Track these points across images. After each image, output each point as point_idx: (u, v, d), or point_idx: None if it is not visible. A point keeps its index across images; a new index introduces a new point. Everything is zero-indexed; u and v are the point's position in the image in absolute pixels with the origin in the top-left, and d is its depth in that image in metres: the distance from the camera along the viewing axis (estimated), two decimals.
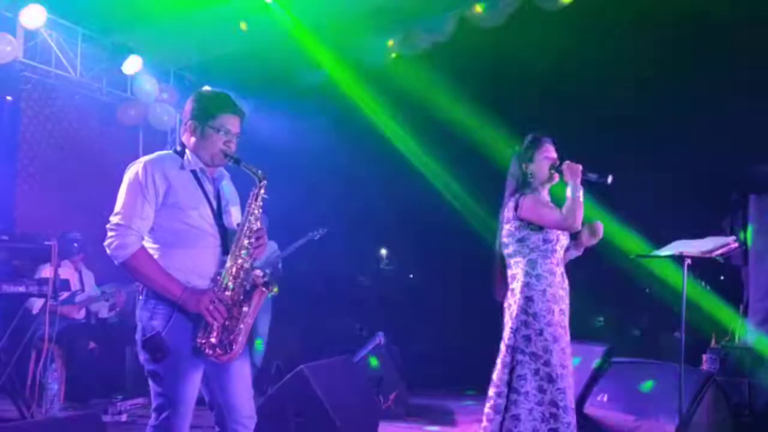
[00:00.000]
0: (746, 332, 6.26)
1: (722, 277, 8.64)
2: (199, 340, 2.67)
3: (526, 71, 7.28)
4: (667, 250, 4.44)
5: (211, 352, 2.67)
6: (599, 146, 7.23)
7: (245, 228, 2.78)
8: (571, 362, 3.78)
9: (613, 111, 7.27)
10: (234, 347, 2.70)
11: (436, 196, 8.95)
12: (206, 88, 3.03)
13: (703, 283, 9.30)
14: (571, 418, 3.67)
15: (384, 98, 8.13)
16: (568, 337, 3.76)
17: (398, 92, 7.95)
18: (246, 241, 2.77)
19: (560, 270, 3.81)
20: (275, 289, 2.83)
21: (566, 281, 3.83)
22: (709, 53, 6.81)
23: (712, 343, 6.08)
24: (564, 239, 3.83)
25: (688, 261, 4.26)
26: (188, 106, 2.90)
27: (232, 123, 2.86)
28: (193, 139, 2.86)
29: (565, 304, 3.79)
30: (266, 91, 8.16)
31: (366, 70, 7.81)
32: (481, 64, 7.43)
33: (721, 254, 4.28)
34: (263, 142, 8.54)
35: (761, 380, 5.57)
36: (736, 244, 4.31)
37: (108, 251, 2.70)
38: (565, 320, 3.79)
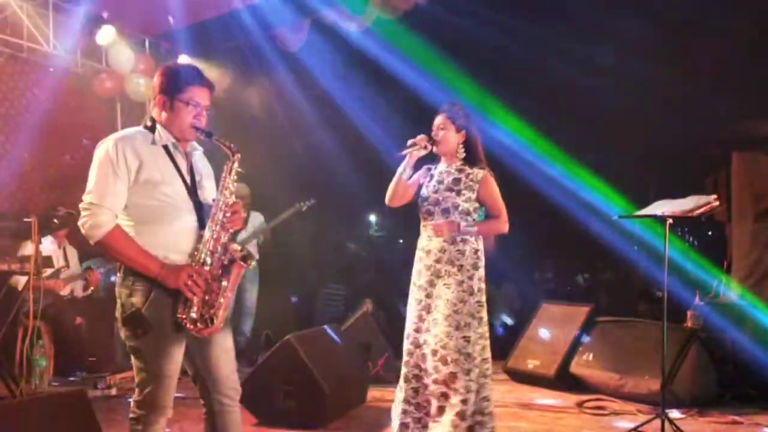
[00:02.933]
0: (730, 288, 6.33)
1: (710, 233, 8.73)
2: (179, 315, 2.67)
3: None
4: (648, 210, 4.45)
5: (192, 326, 2.67)
6: (577, 107, 7.24)
7: (221, 203, 2.76)
8: (416, 310, 3.90)
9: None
10: (215, 321, 2.69)
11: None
12: (175, 61, 2.97)
13: (691, 240, 9.39)
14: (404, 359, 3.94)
15: (371, 61, 8.02)
16: (420, 294, 3.88)
17: (379, 55, 7.87)
18: (221, 215, 2.75)
19: (426, 233, 3.94)
20: (253, 264, 2.80)
21: (432, 242, 3.89)
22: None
23: (696, 300, 6.14)
24: (427, 206, 3.95)
25: (670, 221, 4.27)
26: (156, 80, 2.86)
27: (201, 95, 2.82)
28: (163, 114, 2.82)
29: (422, 264, 3.89)
30: (246, 58, 8.04)
31: (345, 32, 7.70)
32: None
33: (703, 213, 4.29)
34: (246, 112, 8.48)
35: (744, 335, 5.64)
36: (718, 203, 4.32)
37: (83, 231, 2.68)
38: (420, 278, 3.90)
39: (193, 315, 2.67)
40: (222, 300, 2.71)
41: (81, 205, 2.68)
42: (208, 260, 2.71)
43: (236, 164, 2.82)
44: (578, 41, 6.82)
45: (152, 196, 2.70)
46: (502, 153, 6.79)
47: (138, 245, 2.67)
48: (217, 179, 2.88)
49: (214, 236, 2.73)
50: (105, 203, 2.64)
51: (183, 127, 2.80)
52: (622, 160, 7.72)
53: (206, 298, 2.70)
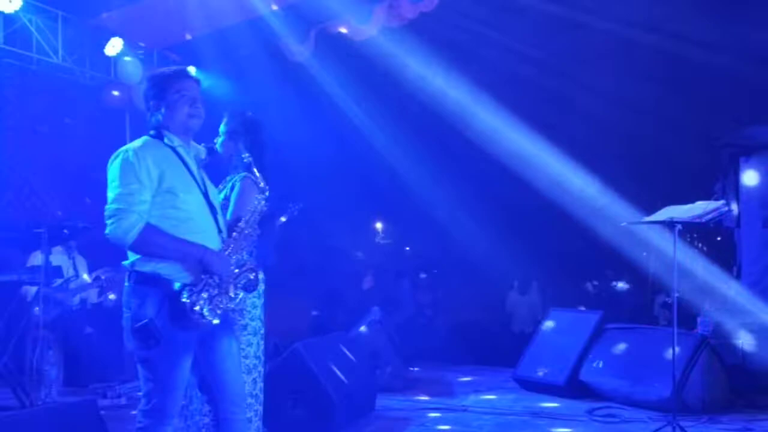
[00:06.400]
0: (739, 294, 6.29)
1: (719, 238, 8.68)
2: (190, 298, 2.65)
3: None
4: (657, 216, 4.44)
5: (197, 311, 2.65)
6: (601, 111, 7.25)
7: (246, 230, 2.94)
8: None
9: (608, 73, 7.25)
10: (215, 317, 2.69)
11: (431, 168, 8.93)
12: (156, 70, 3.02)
13: (700, 245, 9.35)
14: None
15: (375, 70, 8.06)
16: None
17: (388, 63, 7.90)
18: (244, 237, 2.92)
19: None
20: (261, 275, 2.88)
21: None
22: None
23: (706, 306, 6.11)
24: None
25: (679, 226, 4.25)
26: (144, 92, 2.91)
27: (189, 87, 2.86)
28: (161, 117, 2.85)
29: None
30: (252, 68, 8.08)
31: (350, 43, 7.74)
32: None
33: (712, 218, 4.28)
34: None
35: (754, 341, 5.61)
36: (726, 208, 4.30)
37: (112, 239, 2.65)
38: None
39: (205, 297, 2.67)
40: (231, 305, 2.76)
41: (106, 214, 2.65)
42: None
43: (264, 201, 3.04)
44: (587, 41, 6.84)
45: (174, 205, 2.71)
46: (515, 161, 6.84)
47: (174, 236, 2.69)
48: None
49: (236, 248, 2.87)
50: (132, 207, 2.63)
51: (182, 119, 2.83)
52: (630, 166, 7.71)
53: (222, 295, 2.74)
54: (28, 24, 6.84)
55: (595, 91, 6.89)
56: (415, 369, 7.00)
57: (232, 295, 2.76)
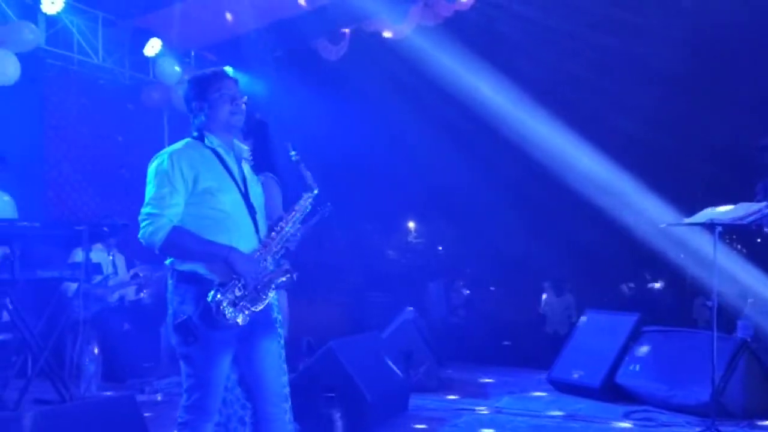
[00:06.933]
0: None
1: (758, 240, 8.47)
2: (217, 297, 2.66)
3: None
4: (697, 218, 4.36)
5: (221, 311, 2.65)
6: (639, 111, 7.15)
7: (285, 231, 2.90)
8: None
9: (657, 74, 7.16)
10: (242, 318, 2.70)
11: (464, 168, 8.89)
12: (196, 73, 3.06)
13: (739, 247, 9.13)
14: None
15: (409, 69, 8.05)
16: None
17: (421, 63, 7.89)
18: (281, 240, 2.89)
19: None
20: (294, 276, 2.87)
21: None
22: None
23: (746, 310, 5.98)
24: None
25: (719, 228, 4.17)
26: (185, 95, 2.96)
27: (229, 86, 2.90)
28: (203, 118, 2.89)
29: None
30: (286, 68, 8.14)
31: (385, 42, 7.74)
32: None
33: (754, 220, 4.19)
34: (286, 120, 8.58)
35: None
36: None
37: (144, 242, 2.73)
38: None
39: (230, 297, 2.68)
40: (261, 306, 2.76)
41: (139, 218, 2.73)
42: (265, 266, 2.82)
43: (310, 200, 2.99)
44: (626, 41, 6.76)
45: (210, 205, 2.76)
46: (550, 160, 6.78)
47: (200, 236, 2.72)
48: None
49: (270, 250, 2.85)
50: (163, 212, 2.70)
51: (224, 118, 2.88)
52: (670, 166, 7.60)
53: (253, 295, 2.75)
54: (69, 25, 6.99)
55: (634, 90, 6.79)
56: (449, 369, 6.97)
57: (263, 297, 2.76)
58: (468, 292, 9.41)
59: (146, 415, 3.68)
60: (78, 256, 5.68)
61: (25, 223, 5.06)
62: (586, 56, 7.04)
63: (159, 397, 5.79)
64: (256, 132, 3.64)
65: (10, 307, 5.10)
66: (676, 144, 7.53)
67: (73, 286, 5.65)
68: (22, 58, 6.50)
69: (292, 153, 2.99)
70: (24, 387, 5.03)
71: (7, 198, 5.39)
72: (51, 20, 6.85)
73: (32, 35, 6.49)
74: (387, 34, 7.58)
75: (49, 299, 5.52)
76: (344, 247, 9.38)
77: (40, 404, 5.14)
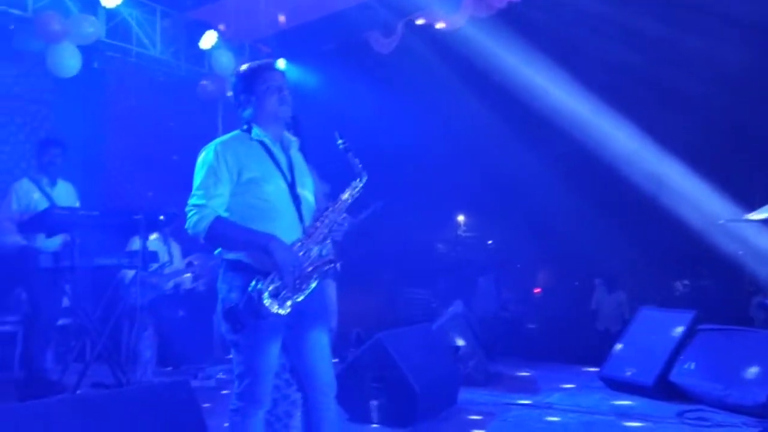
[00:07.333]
0: None
1: None
2: (258, 286, 2.68)
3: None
4: (757, 214, 4.23)
5: (262, 301, 2.67)
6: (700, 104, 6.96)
7: (328, 219, 2.89)
8: None
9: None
10: (284, 308, 2.71)
11: (516, 161, 8.78)
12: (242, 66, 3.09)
13: None
14: None
15: (458, 60, 7.99)
16: None
17: (473, 55, 7.81)
18: (325, 228, 2.87)
19: None
20: (337, 266, 2.88)
21: None
22: None
23: None
24: None
25: None
26: (233, 89, 3.01)
27: (275, 78, 2.94)
28: (250, 110, 2.94)
29: None
30: (339, 60, 8.17)
31: (438, 34, 7.69)
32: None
33: None
34: (338, 112, 8.63)
35: None
36: None
37: (190, 232, 2.79)
38: None
39: (271, 287, 2.70)
40: (302, 297, 2.77)
41: (186, 208, 2.80)
42: (308, 256, 2.81)
43: (359, 188, 2.96)
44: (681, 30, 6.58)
45: (255, 195, 2.80)
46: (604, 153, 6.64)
47: (244, 226, 2.77)
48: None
49: (315, 240, 2.85)
50: (208, 203, 2.76)
51: (272, 109, 2.91)
52: (730, 161, 7.36)
53: (294, 285, 2.76)
54: (128, 18, 7.16)
55: (695, 82, 6.60)
56: (498, 364, 6.93)
57: (304, 287, 2.77)
58: (514, 290, 9.34)
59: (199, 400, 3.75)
60: (135, 244, 5.83)
61: (85, 212, 5.21)
62: (646, 48, 6.85)
63: (212, 383, 5.91)
64: (288, 127, 3.67)
65: (70, 293, 5.27)
66: (738, 138, 7.29)
67: (130, 273, 5.79)
68: (84, 50, 6.70)
69: (339, 141, 2.98)
70: (83, 371, 5.19)
71: (69, 186, 5.55)
72: (111, 13, 7.03)
73: (93, 28, 6.67)
74: (439, 26, 7.54)
75: (107, 286, 5.69)
76: (393, 240, 9.38)
77: (98, 388, 5.30)
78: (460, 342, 6.13)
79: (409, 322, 6.75)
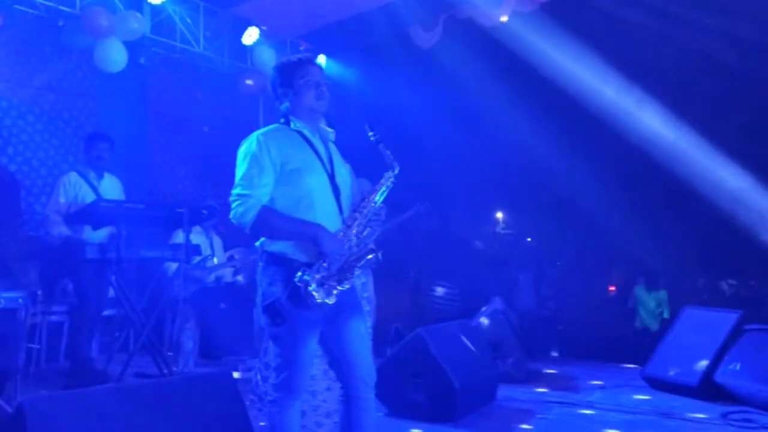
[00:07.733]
0: None
1: None
2: (304, 277, 2.70)
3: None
4: None
5: (309, 291, 2.70)
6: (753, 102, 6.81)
7: (367, 210, 2.91)
8: None
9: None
10: (330, 297, 2.74)
11: (557, 158, 8.68)
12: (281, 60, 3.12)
13: None
14: None
15: (500, 56, 7.91)
16: None
17: (516, 50, 7.74)
18: (364, 219, 2.90)
19: None
20: (379, 255, 2.88)
21: None
22: None
23: None
24: None
25: None
26: (272, 83, 3.04)
27: (313, 72, 2.97)
28: (288, 104, 2.97)
29: None
30: (380, 56, 8.16)
31: (480, 29, 7.63)
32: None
33: None
34: (377, 107, 8.63)
35: None
36: None
37: (235, 222, 2.83)
38: None
39: (317, 277, 2.73)
40: (347, 285, 2.79)
41: (230, 199, 2.83)
42: (351, 245, 2.84)
43: (392, 179, 2.98)
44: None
45: (296, 185, 2.82)
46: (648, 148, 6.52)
47: (290, 216, 2.79)
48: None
49: (356, 230, 2.87)
50: (252, 193, 2.78)
51: (309, 103, 2.94)
52: None
53: (338, 275, 2.79)
54: (172, 14, 7.27)
55: (748, 81, 6.44)
56: (538, 362, 6.87)
57: (349, 276, 2.80)
58: (553, 287, 9.23)
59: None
60: (178, 237, 5.91)
61: (131, 204, 5.30)
62: (696, 43, 6.69)
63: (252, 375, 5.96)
64: None
65: (116, 284, 5.38)
66: None
67: (173, 266, 5.89)
68: (129, 46, 6.82)
69: (370, 134, 2.99)
70: (127, 361, 5.29)
71: (115, 180, 5.65)
72: (155, 10, 7.14)
73: (138, 24, 6.79)
74: (481, 21, 7.48)
75: (150, 278, 5.79)
76: (431, 236, 9.35)
77: (141, 378, 5.40)
78: (500, 339, 6.10)
79: (447, 319, 6.73)
